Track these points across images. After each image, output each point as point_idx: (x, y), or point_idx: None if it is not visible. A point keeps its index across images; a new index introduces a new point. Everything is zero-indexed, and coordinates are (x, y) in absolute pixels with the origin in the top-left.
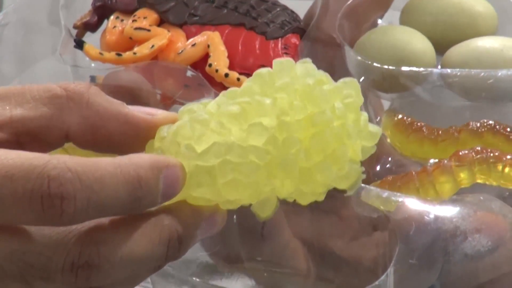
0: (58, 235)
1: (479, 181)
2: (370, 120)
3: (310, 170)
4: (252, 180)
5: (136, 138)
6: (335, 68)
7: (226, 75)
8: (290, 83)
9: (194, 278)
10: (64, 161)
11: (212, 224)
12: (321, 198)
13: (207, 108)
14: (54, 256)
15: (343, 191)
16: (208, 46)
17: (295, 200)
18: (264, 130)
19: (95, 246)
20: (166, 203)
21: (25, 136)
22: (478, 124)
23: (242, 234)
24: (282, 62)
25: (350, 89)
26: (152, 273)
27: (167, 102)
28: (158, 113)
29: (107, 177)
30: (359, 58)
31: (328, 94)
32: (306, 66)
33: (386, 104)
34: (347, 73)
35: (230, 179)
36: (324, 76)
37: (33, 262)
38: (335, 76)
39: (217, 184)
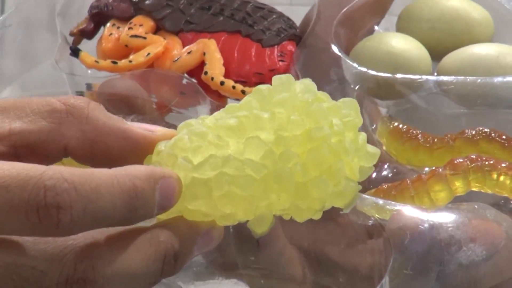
0: (53, 250)
1: (474, 189)
2: (366, 128)
3: (306, 185)
4: (248, 193)
5: (134, 153)
6: (331, 76)
7: (222, 83)
8: (288, 98)
9: (190, 285)
10: (60, 171)
11: (208, 240)
12: (317, 216)
13: (205, 122)
14: (49, 271)
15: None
16: (204, 53)
17: (291, 218)
18: (261, 144)
19: (90, 262)
20: (163, 216)
21: (23, 149)
22: (474, 132)
23: (238, 242)
24: (281, 78)
25: (349, 109)
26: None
27: (163, 110)
28: (157, 129)
29: (103, 187)
30: (355, 65)
31: (326, 111)
32: (305, 83)
33: (382, 111)
34: (343, 81)
35: (226, 191)
36: (323, 94)
37: (27, 276)
38: (332, 84)
39: (213, 197)
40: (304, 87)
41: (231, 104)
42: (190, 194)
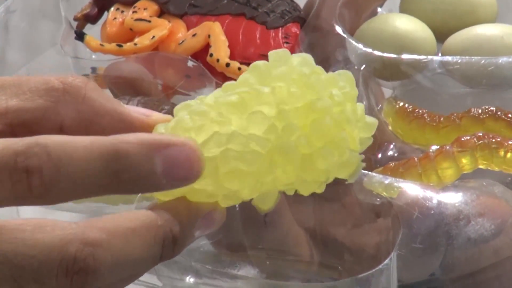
0: (52, 239)
1: (481, 166)
2: (372, 108)
3: (312, 156)
4: (254, 168)
5: None
6: (336, 57)
7: (227, 64)
8: (287, 72)
9: (197, 265)
10: (36, 138)
11: (210, 222)
12: (321, 188)
13: (204, 101)
14: (48, 261)
15: (344, 180)
16: (209, 36)
17: (296, 191)
18: (265, 118)
19: (90, 251)
20: (164, 198)
21: (20, 128)
22: (480, 111)
23: (245, 222)
24: (278, 53)
25: (344, 81)
26: (146, 271)
27: (169, 92)
28: (154, 114)
29: (80, 150)
30: (359, 46)
31: (325, 82)
32: (303, 56)
33: (387, 92)
34: (348, 62)
35: (232, 168)
36: (319, 68)
37: (24, 265)
38: (337, 66)
39: (219, 175)
40: (301, 60)
41: (228, 82)
42: None
